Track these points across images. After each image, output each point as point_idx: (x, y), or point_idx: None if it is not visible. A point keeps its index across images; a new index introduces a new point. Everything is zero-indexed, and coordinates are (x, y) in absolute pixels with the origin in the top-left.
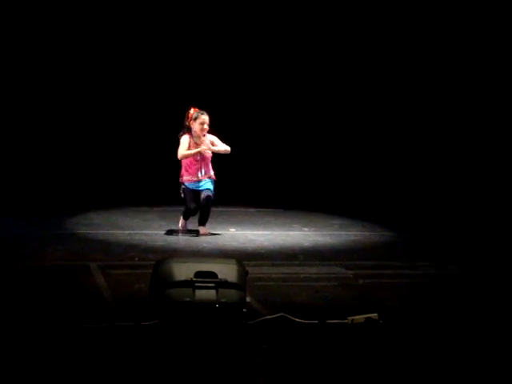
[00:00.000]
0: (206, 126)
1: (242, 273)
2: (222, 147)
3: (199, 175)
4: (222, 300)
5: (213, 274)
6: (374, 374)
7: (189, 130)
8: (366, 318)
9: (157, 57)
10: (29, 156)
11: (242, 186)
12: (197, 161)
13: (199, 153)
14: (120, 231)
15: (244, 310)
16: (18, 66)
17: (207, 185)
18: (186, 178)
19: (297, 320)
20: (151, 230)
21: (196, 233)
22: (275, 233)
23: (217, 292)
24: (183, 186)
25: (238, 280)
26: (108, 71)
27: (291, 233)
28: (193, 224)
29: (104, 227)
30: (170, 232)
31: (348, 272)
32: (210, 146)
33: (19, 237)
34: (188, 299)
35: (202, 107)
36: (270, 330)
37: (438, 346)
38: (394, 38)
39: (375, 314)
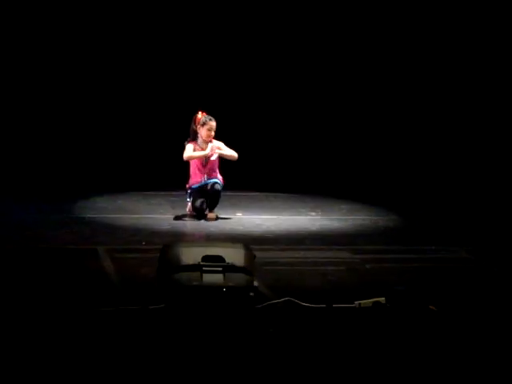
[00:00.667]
0: (212, 133)
1: (250, 257)
2: (228, 152)
3: (202, 181)
4: (230, 284)
5: (220, 258)
6: (381, 358)
7: (194, 136)
8: (374, 302)
9: (164, 54)
10: (35, 141)
11: (248, 171)
12: (203, 167)
13: (205, 157)
14: (126, 215)
15: (251, 294)
16: (28, 55)
17: (214, 180)
18: (191, 186)
19: (304, 304)
20: (157, 214)
21: (203, 217)
22: (282, 217)
23: (224, 276)
24: (189, 192)
25: (245, 264)
26: (119, 63)
27: (298, 217)
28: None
29: (110, 211)
30: (177, 217)
31: (355, 256)
32: (216, 149)
33: (26, 221)
34: (195, 283)
35: (209, 103)
36: (277, 314)
37: (445, 331)
38: (394, 35)
39: (383, 298)
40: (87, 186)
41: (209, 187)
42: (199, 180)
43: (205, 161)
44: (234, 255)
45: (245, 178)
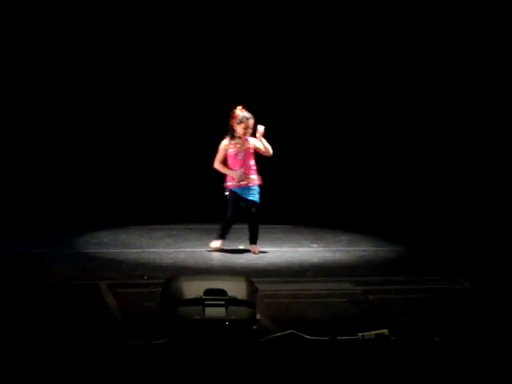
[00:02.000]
0: (249, 131)
1: (252, 290)
2: (264, 145)
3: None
4: (232, 317)
5: (222, 292)
6: None
7: (232, 133)
8: (377, 334)
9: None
10: (37, 173)
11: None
12: (239, 160)
13: (241, 153)
14: (128, 250)
15: (254, 327)
16: (30, 73)
17: (253, 195)
18: (231, 184)
19: (307, 337)
20: (159, 248)
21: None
22: (284, 249)
23: (226, 309)
24: (229, 189)
25: (247, 297)
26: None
27: (300, 249)
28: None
29: (112, 246)
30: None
31: (357, 288)
32: (251, 145)
33: (28, 255)
34: (198, 317)
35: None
36: (280, 347)
37: (449, 363)
38: (389, 45)
39: (386, 330)
40: (89, 220)
41: (249, 209)
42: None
43: (240, 155)
44: (236, 288)
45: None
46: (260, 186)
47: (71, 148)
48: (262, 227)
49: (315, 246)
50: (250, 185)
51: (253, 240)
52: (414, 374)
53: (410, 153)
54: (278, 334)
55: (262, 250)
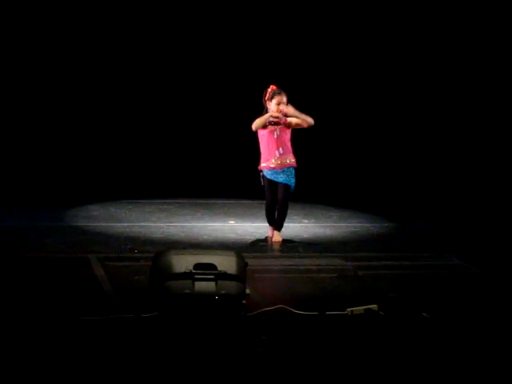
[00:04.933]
0: (282, 106)
1: (242, 265)
2: (301, 116)
3: (276, 154)
4: (222, 292)
5: (212, 266)
6: (373, 365)
7: (266, 111)
8: (366, 310)
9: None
10: (27, 148)
11: (241, 179)
12: (274, 138)
13: (277, 131)
14: (119, 223)
15: (243, 301)
16: (31, 56)
17: (287, 178)
18: (264, 165)
19: (296, 312)
20: (150, 222)
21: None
22: None
23: (216, 284)
24: (262, 174)
25: (237, 272)
26: (117, 71)
27: (291, 224)
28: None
29: (102, 219)
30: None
31: (347, 263)
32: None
33: (18, 228)
34: (187, 291)
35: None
36: (269, 321)
37: (438, 338)
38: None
39: (375, 306)
40: (79, 194)
41: (279, 191)
42: (271, 155)
43: (276, 133)
44: (225, 263)
45: (237, 186)
46: (296, 169)
47: (62, 122)
48: (251, 202)
49: (306, 221)
50: (285, 166)
51: (276, 226)
52: (403, 349)
53: (402, 130)
54: (268, 309)
55: (253, 224)
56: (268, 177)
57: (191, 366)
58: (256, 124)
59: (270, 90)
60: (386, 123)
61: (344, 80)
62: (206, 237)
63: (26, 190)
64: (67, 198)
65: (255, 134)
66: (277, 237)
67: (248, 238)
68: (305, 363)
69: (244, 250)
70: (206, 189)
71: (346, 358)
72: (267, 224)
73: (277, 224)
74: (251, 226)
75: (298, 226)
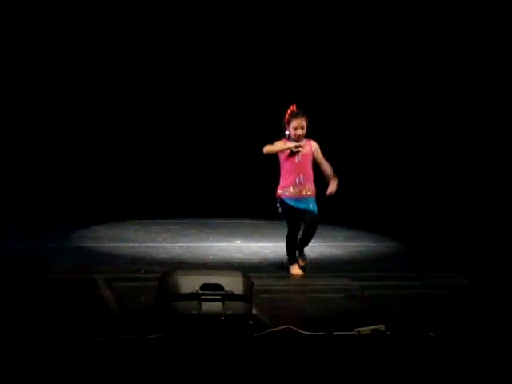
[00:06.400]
0: (299, 131)
1: (248, 285)
2: (323, 160)
3: (296, 182)
4: (228, 312)
5: (219, 287)
6: None
7: (287, 134)
8: (373, 330)
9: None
10: (33, 169)
11: (246, 199)
12: (294, 163)
13: (299, 156)
14: (125, 244)
15: (250, 322)
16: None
17: (309, 205)
18: (282, 192)
19: (303, 332)
20: (155, 242)
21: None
22: (280, 244)
23: (223, 304)
24: (279, 200)
25: (243, 292)
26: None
27: None
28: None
29: (109, 240)
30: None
31: (354, 283)
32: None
33: (24, 249)
34: (194, 312)
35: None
36: (276, 342)
37: (445, 358)
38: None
39: (382, 326)
40: (86, 214)
41: (307, 216)
42: (290, 182)
43: (298, 158)
44: (232, 283)
45: (243, 206)
46: (316, 198)
47: (68, 142)
48: (258, 223)
49: (312, 241)
50: (306, 195)
51: (302, 245)
52: (410, 370)
53: (409, 150)
54: (274, 329)
55: (259, 244)
56: (287, 203)
57: None
58: (268, 150)
59: (289, 110)
60: (391, 142)
61: (349, 94)
62: (211, 257)
63: (32, 211)
64: (73, 218)
65: (269, 156)
66: (302, 264)
67: (254, 257)
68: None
69: (250, 270)
70: (211, 209)
71: (353, 378)
72: (272, 244)
73: (302, 246)
74: (257, 246)
75: None
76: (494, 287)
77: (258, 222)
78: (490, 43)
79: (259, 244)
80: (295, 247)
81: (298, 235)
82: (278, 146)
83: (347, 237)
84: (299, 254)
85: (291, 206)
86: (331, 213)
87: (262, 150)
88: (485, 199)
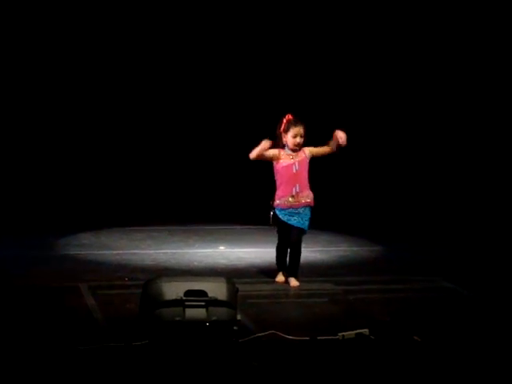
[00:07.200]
0: (298, 139)
1: (232, 290)
2: (324, 148)
3: (293, 192)
4: (213, 318)
5: (203, 293)
6: None
7: (280, 143)
8: (357, 334)
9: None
10: (17, 176)
11: (231, 204)
12: (292, 173)
13: (296, 166)
14: (109, 251)
15: (235, 327)
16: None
17: (301, 220)
18: (278, 202)
19: (288, 337)
20: (140, 249)
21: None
22: (264, 250)
23: (207, 310)
24: (272, 212)
25: (228, 298)
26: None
27: None
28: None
29: (93, 248)
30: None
31: (338, 288)
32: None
33: (7, 257)
34: (178, 318)
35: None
36: (261, 347)
37: (429, 362)
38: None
39: (366, 330)
40: (70, 222)
41: (293, 233)
42: (287, 192)
43: (295, 167)
44: (216, 289)
45: (227, 212)
46: (311, 208)
47: (52, 150)
48: (243, 228)
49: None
50: (302, 206)
51: (290, 271)
52: (395, 374)
53: (396, 154)
54: (259, 335)
55: (243, 250)
56: (281, 218)
57: None
58: (254, 154)
59: (285, 120)
60: (374, 145)
61: (339, 102)
62: (196, 263)
63: (16, 218)
64: (58, 226)
65: (256, 162)
66: (294, 282)
67: (239, 263)
68: None
69: (235, 275)
70: (195, 215)
71: (338, 382)
72: (258, 249)
73: (292, 270)
74: (242, 252)
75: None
76: (478, 289)
77: (244, 227)
78: (489, 43)
79: (244, 249)
80: (284, 257)
81: (287, 246)
82: (259, 147)
83: (329, 241)
84: (288, 275)
85: (283, 222)
86: (315, 217)
87: (248, 157)
88: (469, 201)
